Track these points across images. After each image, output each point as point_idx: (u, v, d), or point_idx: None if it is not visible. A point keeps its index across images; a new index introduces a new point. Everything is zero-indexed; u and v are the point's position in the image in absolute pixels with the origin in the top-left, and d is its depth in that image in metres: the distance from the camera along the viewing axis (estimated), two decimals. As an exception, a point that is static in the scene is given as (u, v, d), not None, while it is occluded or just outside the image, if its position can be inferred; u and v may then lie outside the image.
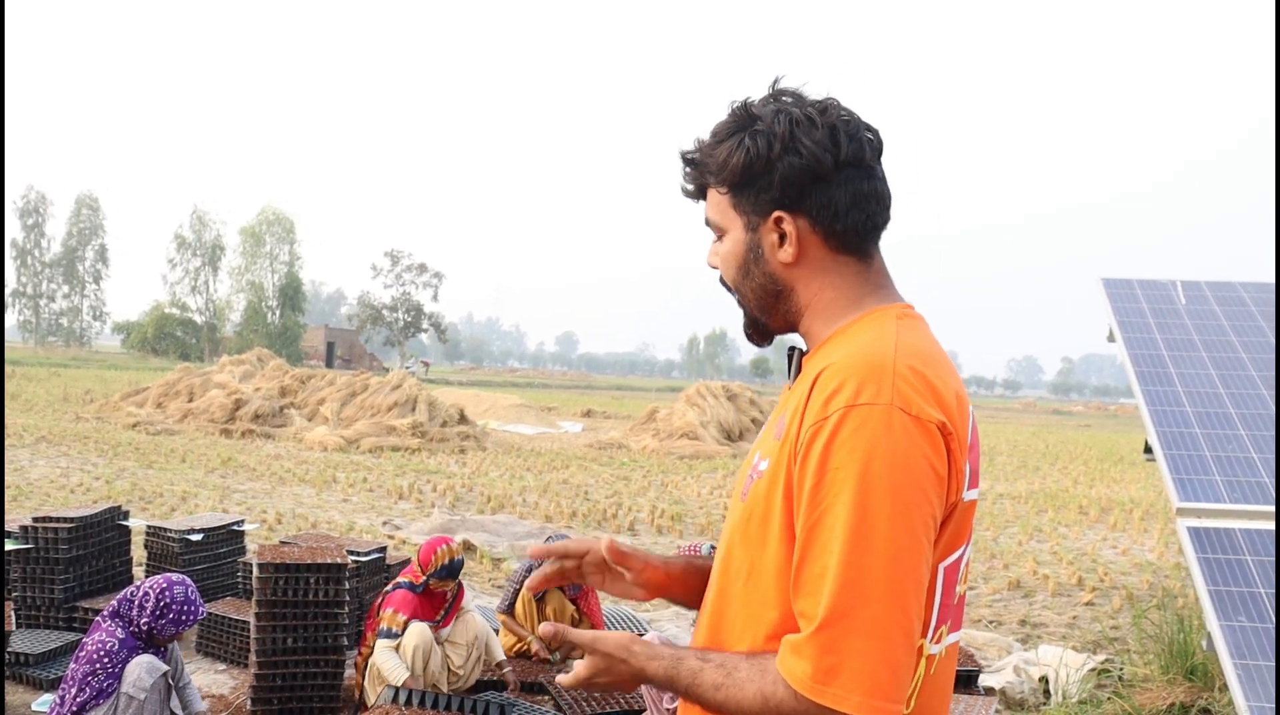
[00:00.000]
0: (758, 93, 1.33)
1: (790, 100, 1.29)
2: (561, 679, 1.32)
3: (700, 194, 1.38)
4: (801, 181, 1.26)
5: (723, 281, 1.39)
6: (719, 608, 1.33)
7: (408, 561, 5.93)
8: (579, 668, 1.31)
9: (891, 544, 1.12)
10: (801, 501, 1.17)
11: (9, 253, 71.20)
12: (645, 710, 4.29)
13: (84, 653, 3.35)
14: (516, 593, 5.27)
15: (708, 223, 1.37)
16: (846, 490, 1.13)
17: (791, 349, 1.37)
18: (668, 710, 4.08)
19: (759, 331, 1.39)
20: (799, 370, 1.33)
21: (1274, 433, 4.53)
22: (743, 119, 1.29)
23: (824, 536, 1.14)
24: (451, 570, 4.31)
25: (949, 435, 1.17)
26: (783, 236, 1.29)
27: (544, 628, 1.31)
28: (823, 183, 1.26)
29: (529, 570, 5.29)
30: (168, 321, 66.88)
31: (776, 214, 1.28)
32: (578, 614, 5.24)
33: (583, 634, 1.31)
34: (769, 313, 1.35)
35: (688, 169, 1.37)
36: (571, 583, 1.53)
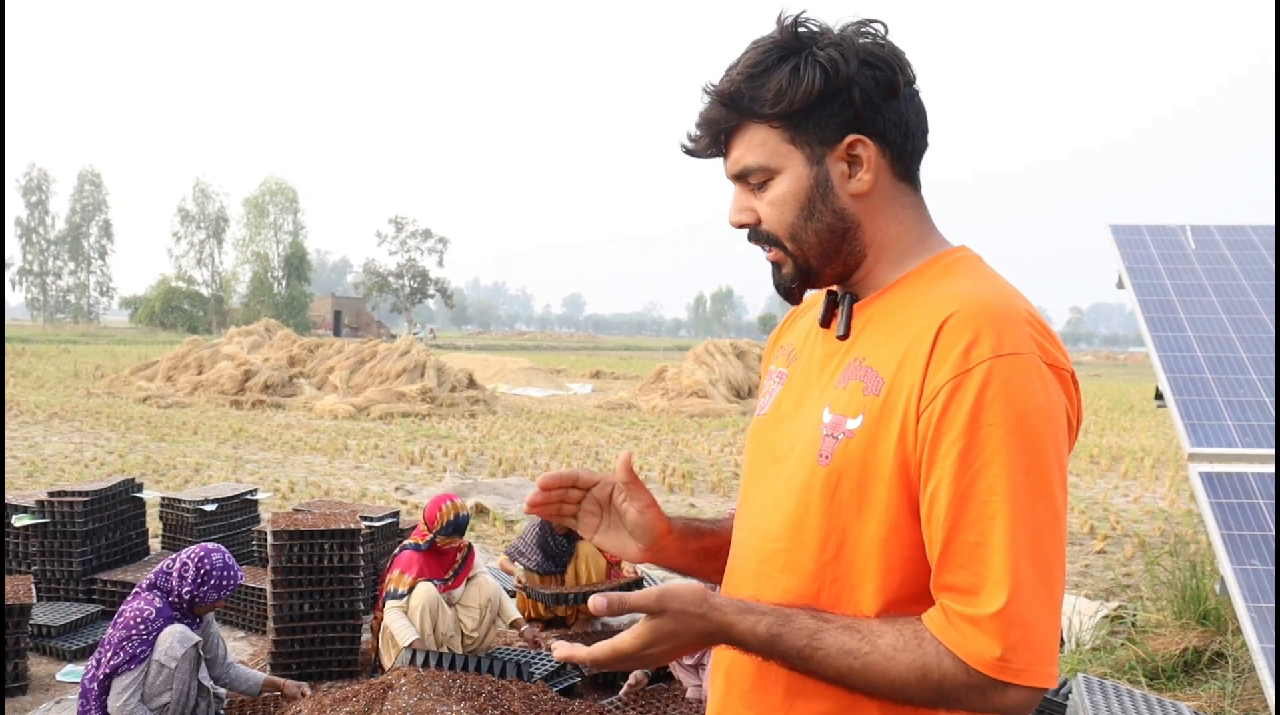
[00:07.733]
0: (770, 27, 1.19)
1: (826, 24, 1.18)
2: (588, 653, 1.09)
3: (720, 144, 1.20)
4: (878, 98, 1.15)
5: (761, 235, 1.21)
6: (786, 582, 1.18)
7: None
8: (629, 638, 1.08)
9: (1055, 503, 1.05)
10: (938, 461, 1.06)
11: (14, 231, 71.26)
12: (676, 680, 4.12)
13: (122, 619, 3.43)
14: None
15: (741, 174, 1.20)
16: (1006, 449, 1.03)
17: (842, 295, 1.24)
18: (694, 686, 3.96)
19: (807, 283, 1.23)
20: (849, 319, 1.21)
21: (1286, 376, 4.50)
22: (792, 42, 1.15)
23: (981, 500, 1.03)
24: (458, 526, 4.31)
25: (1077, 384, 1.13)
26: (854, 163, 1.17)
27: (595, 600, 1.06)
28: (895, 99, 1.16)
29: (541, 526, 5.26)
30: (174, 295, 67.08)
31: (852, 138, 1.16)
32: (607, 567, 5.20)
33: (646, 593, 1.08)
34: (830, 258, 1.20)
35: (721, 108, 1.18)
36: (564, 522, 1.34)
